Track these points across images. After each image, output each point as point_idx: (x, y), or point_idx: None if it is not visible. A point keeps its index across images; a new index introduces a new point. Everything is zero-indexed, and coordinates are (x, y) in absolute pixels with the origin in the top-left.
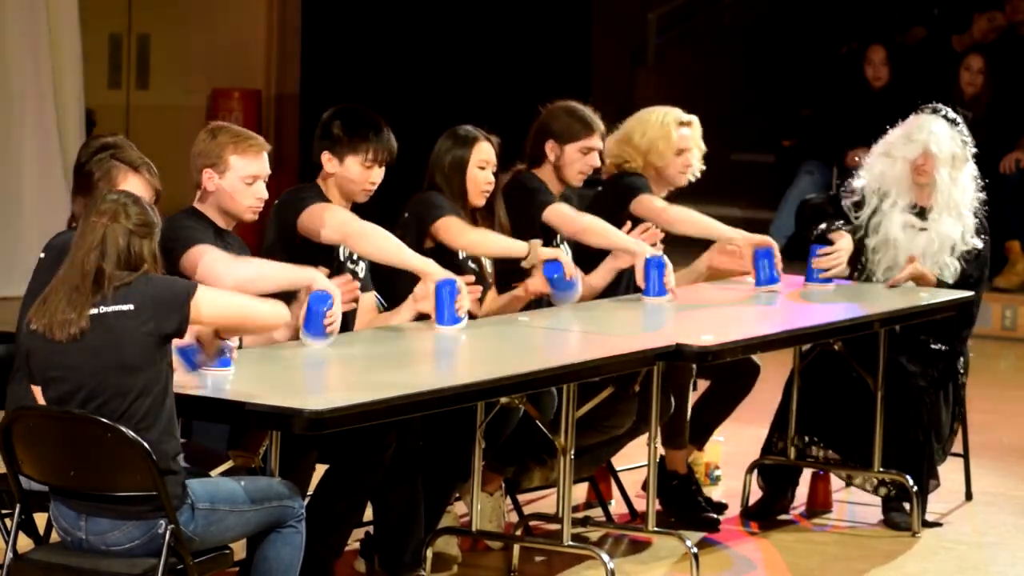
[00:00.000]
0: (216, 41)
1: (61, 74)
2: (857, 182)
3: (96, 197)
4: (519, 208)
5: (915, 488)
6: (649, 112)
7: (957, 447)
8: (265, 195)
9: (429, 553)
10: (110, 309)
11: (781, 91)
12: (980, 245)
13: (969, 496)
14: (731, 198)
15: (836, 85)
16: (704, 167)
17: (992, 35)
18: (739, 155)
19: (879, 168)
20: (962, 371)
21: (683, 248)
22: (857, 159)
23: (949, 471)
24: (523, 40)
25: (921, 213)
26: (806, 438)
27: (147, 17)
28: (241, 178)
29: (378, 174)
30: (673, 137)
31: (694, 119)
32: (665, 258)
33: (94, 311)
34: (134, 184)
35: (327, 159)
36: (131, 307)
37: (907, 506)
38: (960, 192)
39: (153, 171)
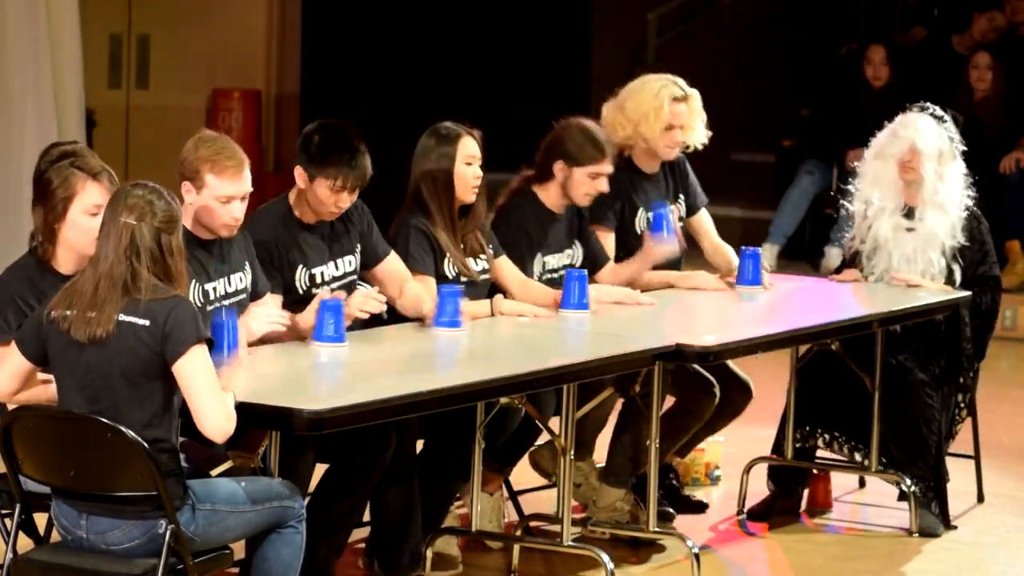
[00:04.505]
0: (216, 41)
1: (61, 74)
2: (853, 187)
3: (121, 191)
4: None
5: (913, 489)
6: (647, 81)
7: (966, 448)
8: (240, 215)
9: (429, 553)
10: (129, 319)
11: (781, 91)
12: (967, 242)
13: (981, 498)
14: (731, 198)
15: (836, 85)
16: (703, 147)
17: (992, 35)
18: (739, 155)
19: (872, 171)
20: (964, 371)
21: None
22: (856, 161)
23: (956, 472)
24: (523, 40)
25: (910, 213)
26: (826, 435)
27: (147, 17)
28: (216, 197)
29: (347, 199)
30: (664, 112)
31: (693, 93)
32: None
33: (117, 317)
34: (93, 192)
35: (299, 173)
36: (147, 323)
37: (934, 507)
38: (947, 188)
39: (113, 179)
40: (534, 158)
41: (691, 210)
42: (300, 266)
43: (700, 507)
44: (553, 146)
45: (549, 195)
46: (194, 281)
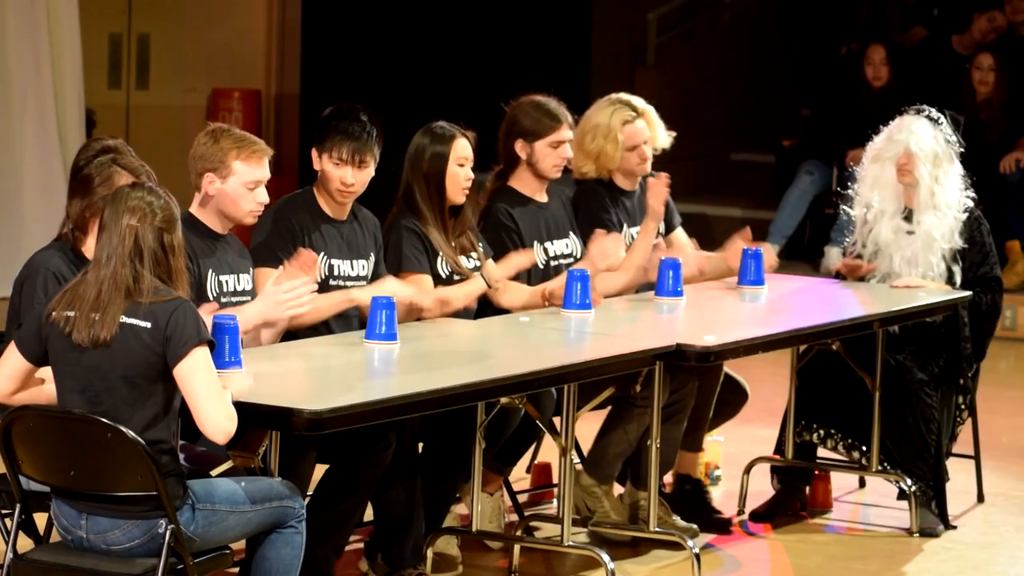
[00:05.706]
0: (216, 41)
1: (61, 74)
2: (852, 191)
3: (119, 192)
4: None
5: (913, 488)
6: (598, 112)
7: (966, 448)
8: (266, 199)
9: (429, 553)
10: (131, 321)
11: (781, 91)
12: (966, 244)
13: (981, 498)
14: (731, 198)
15: (836, 85)
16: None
17: (992, 35)
18: (739, 155)
19: (870, 175)
20: (963, 371)
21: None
22: (856, 162)
23: (956, 472)
24: (523, 40)
25: (910, 216)
26: (821, 431)
27: (147, 17)
28: (244, 184)
29: (350, 174)
30: (619, 139)
31: (647, 110)
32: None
33: (119, 319)
34: None
35: (315, 156)
36: (148, 325)
37: (934, 507)
38: (943, 190)
39: (152, 177)
40: (498, 152)
41: (668, 228)
42: (322, 253)
43: (725, 525)
44: (509, 129)
45: (523, 182)
46: (211, 271)
